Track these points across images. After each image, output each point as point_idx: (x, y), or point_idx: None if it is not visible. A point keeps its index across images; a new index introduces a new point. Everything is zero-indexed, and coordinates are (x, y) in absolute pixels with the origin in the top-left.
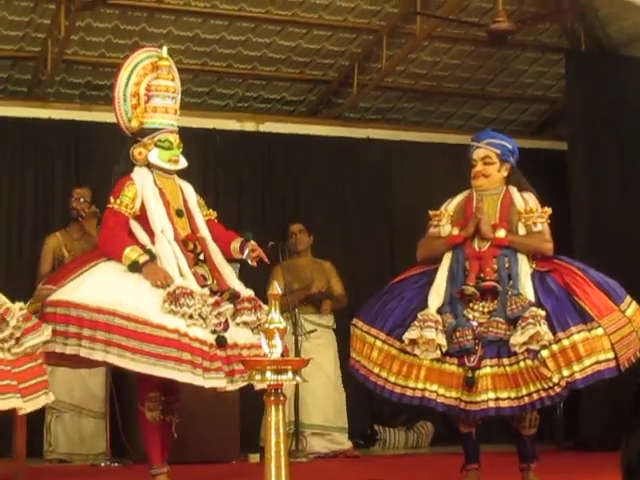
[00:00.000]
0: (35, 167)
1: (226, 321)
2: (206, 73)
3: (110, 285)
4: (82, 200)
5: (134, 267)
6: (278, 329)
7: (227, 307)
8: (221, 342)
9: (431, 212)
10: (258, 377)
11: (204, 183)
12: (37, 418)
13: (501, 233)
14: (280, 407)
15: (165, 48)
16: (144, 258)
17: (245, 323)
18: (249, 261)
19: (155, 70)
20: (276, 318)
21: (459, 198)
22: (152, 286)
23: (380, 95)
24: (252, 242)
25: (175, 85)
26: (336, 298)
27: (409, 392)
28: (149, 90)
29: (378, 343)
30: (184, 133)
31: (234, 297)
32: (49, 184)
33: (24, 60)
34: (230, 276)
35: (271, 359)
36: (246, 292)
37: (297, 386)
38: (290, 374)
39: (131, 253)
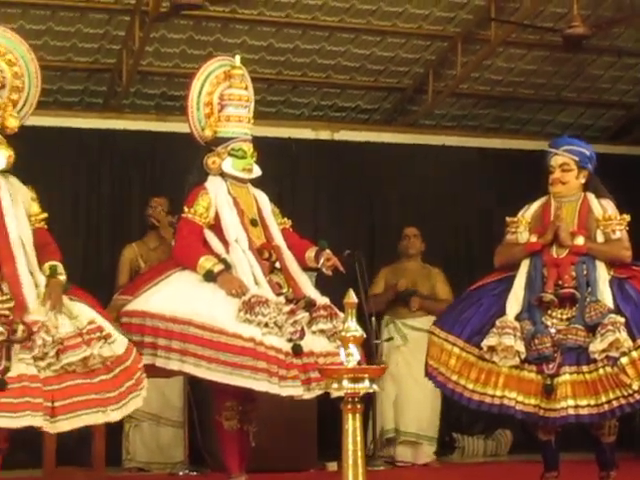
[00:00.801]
0: (111, 178)
1: (302, 329)
2: (281, 82)
3: (185, 295)
4: (159, 209)
5: (209, 276)
6: (355, 337)
7: (302, 315)
8: (297, 350)
9: (508, 219)
10: (335, 385)
11: (280, 192)
12: (115, 427)
13: (579, 240)
14: (357, 415)
15: (238, 57)
16: (219, 267)
17: (321, 331)
18: (324, 270)
19: (228, 79)
20: (352, 326)
21: (536, 205)
22: (227, 295)
23: (455, 102)
24: (327, 251)
25: (248, 94)
26: (435, 299)
27: (488, 399)
28: (222, 99)
29: (456, 350)
30: (259, 142)
31: (310, 305)
32: (125, 195)
33: (99, 72)
34: (306, 284)
35: (348, 367)
36: (322, 300)
37: (375, 393)
38: (367, 382)
39: (206, 262)
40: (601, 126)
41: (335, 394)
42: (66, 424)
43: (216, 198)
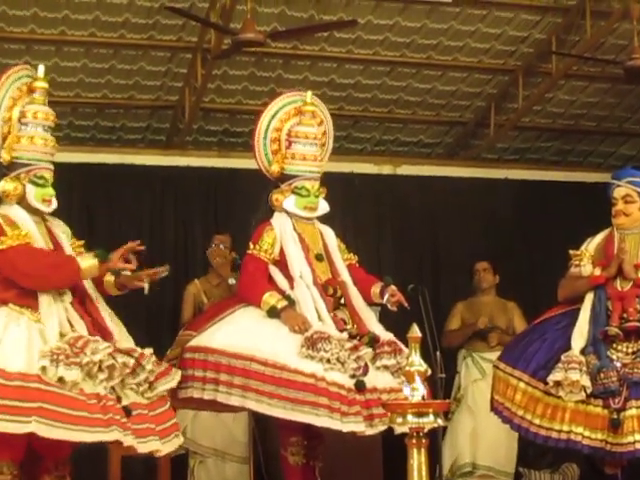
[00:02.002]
0: (175, 215)
1: (366, 365)
2: (343, 117)
3: (248, 331)
4: (222, 247)
5: (273, 312)
6: (419, 372)
7: (366, 351)
8: (360, 386)
9: (572, 252)
10: (399, 420)
11: (343, 226)
12: (180, 463)
13: None
14: (422, 450)
15: (309, 93)
16: (283, 303)
17: (385, 367)
18: (389, 305)
19: (298, 115)
20: (417, 361)
21: (599, 237)
22: (290, 331)
23: (517, 135)
24: (392, 287)
25: (317, 131)
26: (512, 334)
27: (554, 434)
28: (290, 136)
29: (522, 385)
30: (322, 178)
31: (374, 341)
32: (189, 231)
33: (162, 109)
34: (370, 320)
35: (412, 402)
36: (386, 335)
37: (448, 426)
38: (431, 416)
39: (270, 299)
40: None
41: (399, 430)
42: (169, 446)
43: (281, 234)
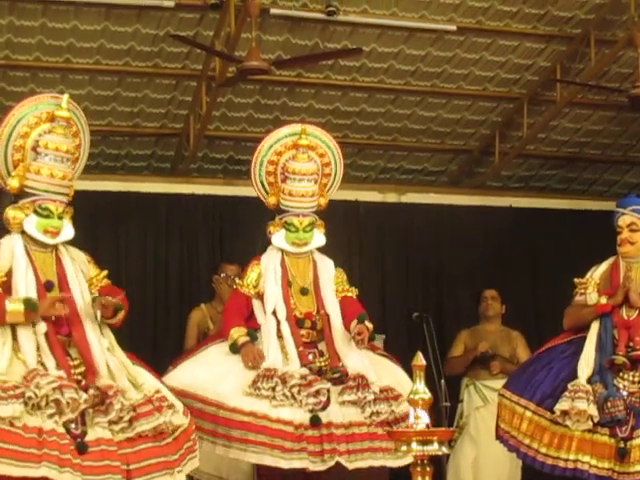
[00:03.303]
0: (179, 242)
1: (328, 399)
2: (347, 145)
3: (204, 368)
4: (232, 276)
5: (233, 348)
6: (423, 400)
7: (320, 386)
8: (315, 422)
9: (577, 280)
10: (404, 448)
11: (348, 254)
12: None
13: None
14: (427, 477)
15: (303, 126)
16: (243, 339)
17: (349, 402)
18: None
19: (294, 149)
20: (421, 389)
21: (605, 265)
22: (245, 367)
23: (522, 163)
24: (360, 325)
25: (309, 167)
26: (515, 363)
27: (561, 463)
28: (285, 170)
29: (528, 414)
30: (327, 205)
31: (343, 375)
32: (193, 259)
33: (167, 137)
34: (346, 354)
35: (416, 430)
36: (355, 370)
37: (448, 455)
38: (436, 445)
39: (234, 333)
40: None
41: (350, 467)
42: None
43: (265, 269)
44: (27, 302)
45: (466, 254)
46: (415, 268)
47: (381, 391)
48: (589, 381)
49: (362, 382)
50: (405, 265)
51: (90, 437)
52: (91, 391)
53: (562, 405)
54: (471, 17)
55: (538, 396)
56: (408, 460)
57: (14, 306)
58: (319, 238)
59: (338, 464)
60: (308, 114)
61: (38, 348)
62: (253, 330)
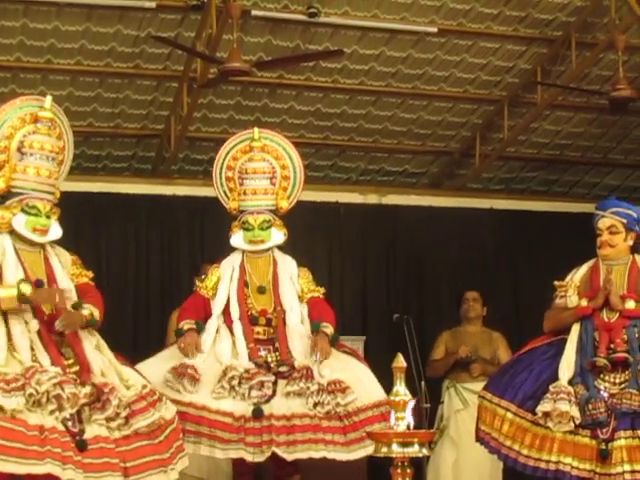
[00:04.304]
0: (160, 243)
1: (273, 392)
2: (328, 147)
3: (157, 364)
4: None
5: (177, 334)
6: (403, 401)
7: (261, 379)
8: (256, 413)
9: (557, 283)
10: (384, 449)
11: (329, 255)
12: None
13: (631, 304)
14: (407, 479)
15: (256, 129)
16: (189, 326)
17: (294, 393)
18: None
19: (249, 152)
20: (402, 391)
21: (584, 268)
22: (179, 351)
23: (503, 165)
24: (317, 336)
25: (260, 166)
26: (496, 364)
27: (543, 465)
28: (241, 173)
29: (509, 415)
30: (307, 206)
31: (290, 368)
32: (174, 260)
33: (148, 138)
34: (296, 348)
35: (397, 431)
36: (301, 363)
37: (429, 457)
38: (416, 446)
39: (182, 324)
40: None
41: (289, 458)
42: None
43: (223, 273)
44: (22, 287)
45: (447, 256)
46: (396, 269)
47: (328, 384)
48: (570, 383)
49: (307, 373)
50: (386, 266)
51: (88, 435)
52: (88, 388)
53: (544, 407)
54: (452, 19)
55: (519, 398)
56: (359, 454)
57: (6, 292)
58: (277, 236)
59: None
60: (289, 115)
61: (32, 347)
62: (202, 323)
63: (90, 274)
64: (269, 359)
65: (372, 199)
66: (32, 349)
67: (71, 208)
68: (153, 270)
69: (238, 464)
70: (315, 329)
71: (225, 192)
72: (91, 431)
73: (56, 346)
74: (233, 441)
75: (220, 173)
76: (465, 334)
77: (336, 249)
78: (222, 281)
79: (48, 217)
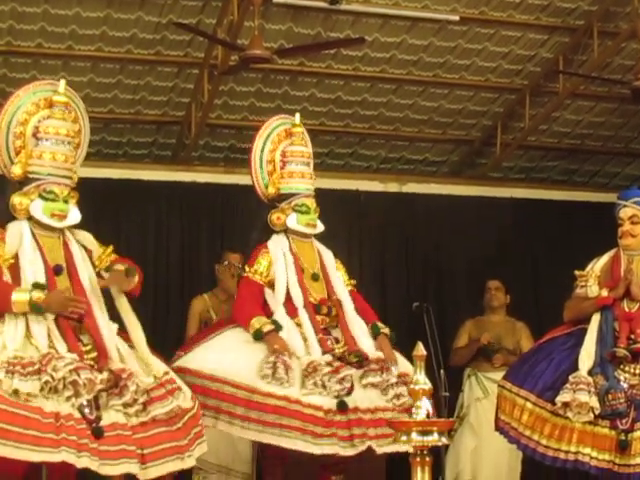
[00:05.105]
0: (181, 230)
1: (352, 385)
2: (349, 135)
3: (227, 353)
4: (236, 264)
5: (257, 336)
6: (423, 390)
7: (346, 373)
8: (342, 407)
9: (577, 272)
10: (404, 438)
11: (349, 243)
12: (184, 479)
13: None
14: (426, 467)
15: (298, 115)
16: (268, 327)
17: (372, 385)
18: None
19: (289, 137)
20: (421, 379)
21: (605, 258)
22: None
23: (523, 154)
24: (383, 340)
25: (309, 151)
26: (518, 355)
27: (562, 455)
28: (285, 156)
29: (529, 405)
30: (328, 194)
31: (361, 359)
32: (194, 247)
33: (168, 124)
34: (361, 337)
35: (417, 420)
36: (374, 354)
37: (448, 445)
38: (436, 435)
39: (256, 323)
40: None
41: (379, 450)
42: (155, 470)
43: (275, 257)
44: (33, 305)
45: (466, 244)
46: (415, 258)
47: (399, 376)
48: (590, 373)
49: (384, 365)
50: (405, 255)
51: (105, 422)
52: (105, 373)
53: (563, 397)
54: (474, 7)
55: (539, 388)
56: None
57: (19, 296)
58: (319, 223)
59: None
60: (310, 103)
61: (49, 334)
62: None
63: (110, 247)
64: (337, 350)
65: (392, 187)
66: (49, 336)
67: (91, 194)
68: (173, 257)
69: (274, 452)
70: (377, 332)
71: (263, 176)
72: (108, 418)
73: (74, 332)
74: (326, 435)
75: (261, 154)
76: (489, 323)
77: (355, 237)
78: (277, 266)
79: (66, 202)
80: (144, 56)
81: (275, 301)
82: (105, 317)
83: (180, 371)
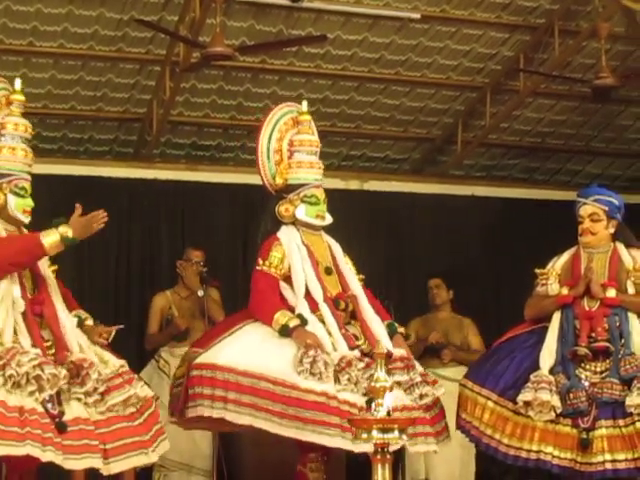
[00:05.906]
0: (141, 227)
1: None
2: None
3: (255, 348)
4: (198, 262)
5: (284, 331)
6: (384, 387)
7: None
8: (371, 405)
9: (538, 270)
10: (364, 435)
11: None
12: (144, 476)
13: (612, 292)
14: (387, 465)
15: (305, 103)
16: (294, 322)
17: (397, 383)
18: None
19: (296, 125)
20: (382, 377)
21: (566, 256)
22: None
23: (484, 152)
24: (399, 339)
25: (317, 139)
26: (466, 350)
27: (524, 454)
28: (292, 145)
29: (490, 404)
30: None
31: (386, 357)
32: (155, 244)
33: (130, 121)
34: (381, 334)
35: (377, 418)
36: (398, 351)
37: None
38: (396, 432)
39: (281, 317)
40: (630, 176)
41: (413, 450)
42: (118, 465)
43: (289, 249)
44: (66, 239)
45: (428, 242)
46: (376, 255)
47: (421, 375)
48: (551, 372)
49: (409, 363)
50: (366, 252)
51: (68, 417)
52: (65, 367)
53: (525, 396)
54: (435, 5)
55: (500, 386)
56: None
57: (51, 238)
58: (328, 214)
59: None
60: (272, 101)
61: (15, 328)
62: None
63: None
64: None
65: (354, 185)
66: (14, 330)
67: (52, 191)
68: (134, 254)
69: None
70: (394, 331)
71: (270, 167)
72: (70, 413)
73: (38, 328)
74: None
75: (268, 144)
76: (435, 320)
77: None
78: (293, 259)
79: (32, 199)
80: (106, 53)
81: (295, 295)
82: (65, 310)
83: (205, 367)
